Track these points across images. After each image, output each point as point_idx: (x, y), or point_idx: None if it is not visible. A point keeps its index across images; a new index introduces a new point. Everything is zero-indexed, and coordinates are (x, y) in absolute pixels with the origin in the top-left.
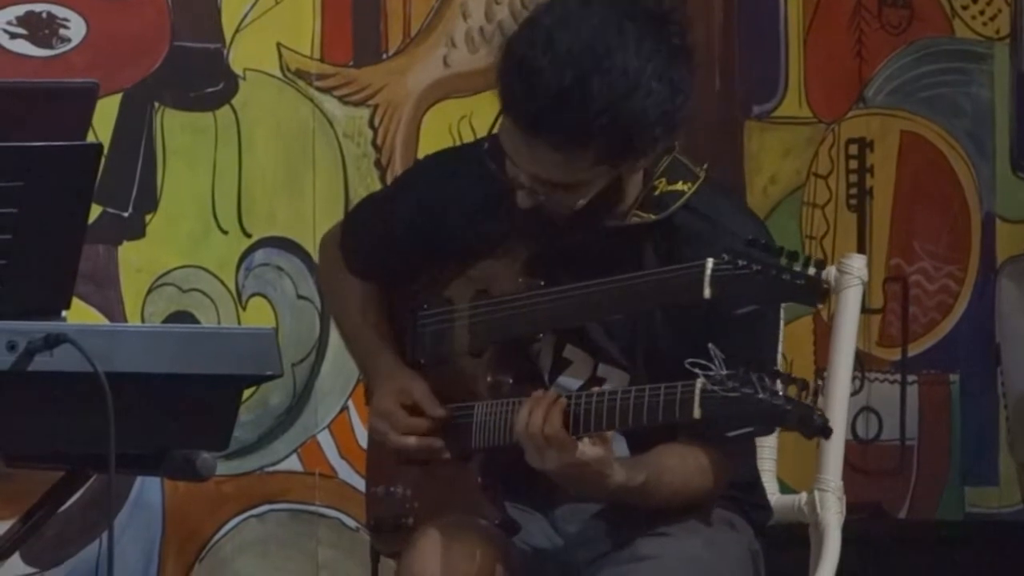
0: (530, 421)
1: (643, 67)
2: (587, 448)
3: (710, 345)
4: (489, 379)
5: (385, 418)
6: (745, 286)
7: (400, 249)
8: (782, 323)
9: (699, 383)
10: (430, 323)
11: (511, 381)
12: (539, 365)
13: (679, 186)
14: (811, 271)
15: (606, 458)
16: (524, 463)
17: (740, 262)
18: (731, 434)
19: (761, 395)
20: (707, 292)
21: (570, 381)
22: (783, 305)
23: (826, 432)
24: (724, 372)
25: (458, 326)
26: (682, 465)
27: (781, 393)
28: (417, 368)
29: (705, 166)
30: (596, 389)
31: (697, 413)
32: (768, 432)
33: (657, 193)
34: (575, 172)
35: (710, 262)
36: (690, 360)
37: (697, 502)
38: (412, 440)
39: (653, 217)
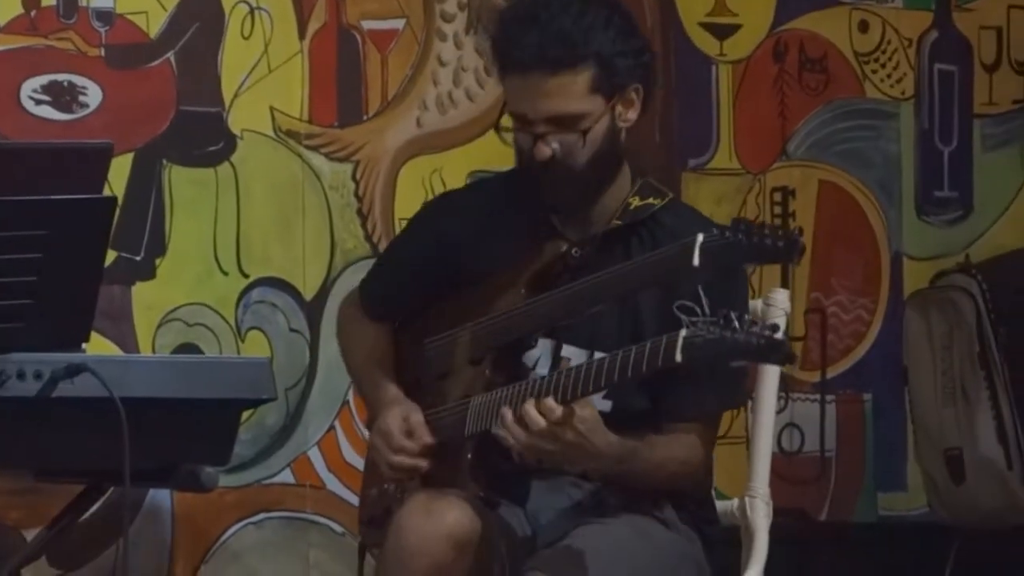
0: (530, 422)
1: (603, 13)
2: (578, 411)
3: (700, 288)
4: (487, 374)
5: (382, 436)
6: (731, 253)
7: (418, 280)
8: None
9: (683, 332)
10: (435, 345)
11: (505, 380)
12: (536, 370)
13: (651, 200)
14: (790, 235)
15: (596, 417)
16: (507, 462)
17: (727, 233)
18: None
19: (739, 334)
20: (696, 260)
21: None
22: None
23: (792, 358)
24: (708, 316)
25: (461, 341)
26: (667, 440)
27: (756, 331)
28: (416, 386)
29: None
30: (584, 361)
31: (679, 357)
32: (744, 363)
33: (632, 208)
34: (575, 97)
35: (700, 235)
36: (678, 303)
37: (690, 472)
38: (403, 459)
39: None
